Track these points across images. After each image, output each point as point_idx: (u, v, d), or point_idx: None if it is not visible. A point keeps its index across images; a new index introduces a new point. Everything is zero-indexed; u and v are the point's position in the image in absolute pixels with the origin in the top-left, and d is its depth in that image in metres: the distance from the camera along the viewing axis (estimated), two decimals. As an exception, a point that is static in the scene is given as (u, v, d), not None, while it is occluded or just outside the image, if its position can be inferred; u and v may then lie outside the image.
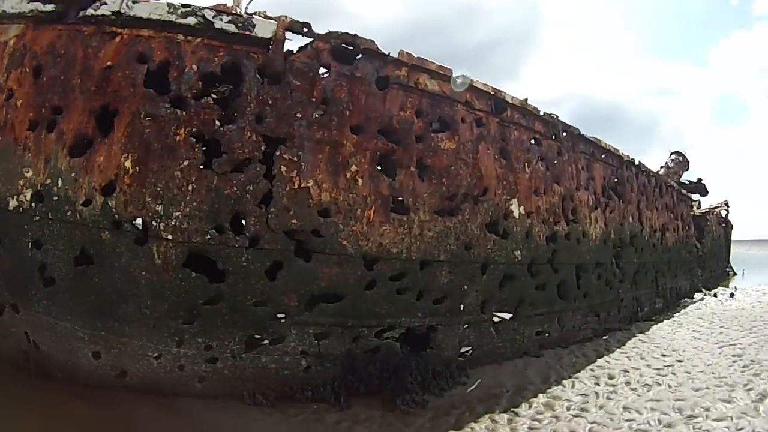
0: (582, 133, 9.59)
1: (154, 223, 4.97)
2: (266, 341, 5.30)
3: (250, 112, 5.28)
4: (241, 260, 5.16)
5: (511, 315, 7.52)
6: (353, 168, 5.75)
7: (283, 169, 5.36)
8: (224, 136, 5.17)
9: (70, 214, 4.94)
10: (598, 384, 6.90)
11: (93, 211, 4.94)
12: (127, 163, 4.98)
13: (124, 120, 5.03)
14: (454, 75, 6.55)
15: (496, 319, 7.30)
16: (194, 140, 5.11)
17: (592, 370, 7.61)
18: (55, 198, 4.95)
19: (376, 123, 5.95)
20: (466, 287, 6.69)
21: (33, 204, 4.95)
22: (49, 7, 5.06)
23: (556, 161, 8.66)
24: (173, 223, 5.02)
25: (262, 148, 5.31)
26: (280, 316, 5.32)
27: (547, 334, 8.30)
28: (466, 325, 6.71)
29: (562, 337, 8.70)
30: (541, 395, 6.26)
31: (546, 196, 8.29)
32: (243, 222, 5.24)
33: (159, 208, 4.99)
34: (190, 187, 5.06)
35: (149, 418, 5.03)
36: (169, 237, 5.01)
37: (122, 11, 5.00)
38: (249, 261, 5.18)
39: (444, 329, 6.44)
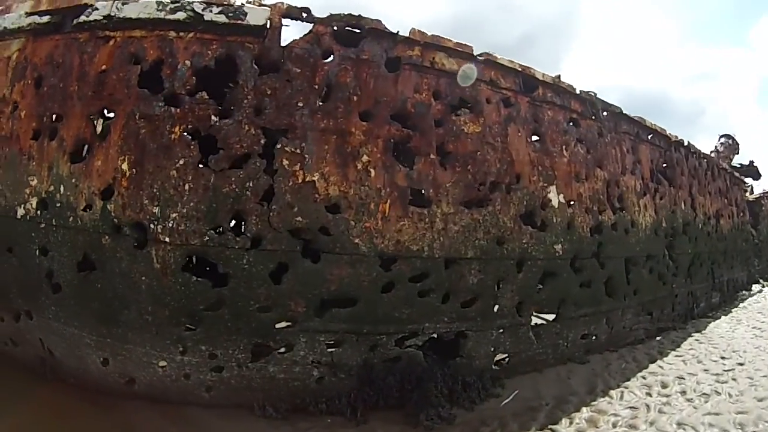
0: (624, 112, 7.77)
1: (151, 226, 4.17)
2: (274, 350, 4.33)
3: (247, 104, 4.33)
4: (242, 262, 4.22)
5: (552, 317, 6.03)
6: (364, 158, 4.61)
7: (285, 162, 4.35)
8: (220, 131, 4.26)
9: (72, 220, 4.30)
10: (649, 394, 5.31)
11: (93, 216, 4.25)
12: (124, 166, 4.23)
13: (120, 122, 4.30)
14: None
15: (535, 322, 5.84)
16: (190, 138, 4.25)
17: (643, 377, 5.90)
18: (58, 204, 4.32)
19: (387, 108, 4.75)
20: (499, 287, 5.31)
21: (38, 211, 4.38)
22: (46, 18, 4.51)
23: (597, 143, 6.89)
24: (170, 225, 4.19)
25: (262, 141, 4.34)
26: (285, 324, 4.34)
27: (593, 337, 6.64)
28: (501, 330, 5.31)
29: (610, 339, 6.98)
30: (584, 409, 4.90)
31: (588, 182, 6.58)
32: (244, 222, 4.33)
33: (156, 210, 4.19)
34: (186, 187, 4.21)
35: (155, 427, 4.30)
36: (167, 240, 4.20)
37: (112, 14, 4.29)
38: (251, 263, 4.23)
39: (475, 335, 5.10)
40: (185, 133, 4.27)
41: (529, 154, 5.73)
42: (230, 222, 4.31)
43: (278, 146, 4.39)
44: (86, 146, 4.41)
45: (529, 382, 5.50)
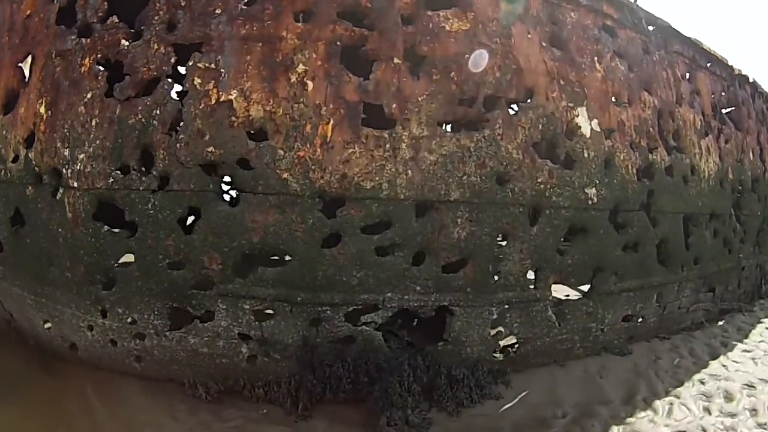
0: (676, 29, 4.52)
1: (64, 171, 2.76)
2: (193, 318, 2.67)
3: (158, 20, 2.67)
4: (147, 208, 2.58)
5: (582, 290, 3.43)
6: (299, 67, 2.60)
7: (197, 81, 2.57)
8: (127, 56, 2.68)
9: (3, 173, 3.09)
10: (708, 410, 2.84)
11: (19, 167, 2.97)
12: (42, 109, 2.86)
13: (39, 64, 2.94)
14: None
15: (557, 297, 3.29)
16: (99, 68, 2.76)
17: (701, 381, 3.23)
18: (-7, 157, 3.21)
19: (333, 4, 2.69)
20: (501, 245, 2.96)
21: (-20, 167, 3.33)
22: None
23: (642, 61, 3.86)
24: (78, 167, 2.70)
25: (172, 60, 2.66)
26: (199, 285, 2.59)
27: (639, 320, 3.76)
28: (506, 307, 2.92)
29: (661, 323, 3.99)
30: (615, 429, 2.59)
31: (633, 109, 3.66)
32: (152, 158, 2.67)
33: (67, 152, 2.74)
34: (93, 123, 2.69)
35: (83, 398, 2.99)
36: (75, 185, 2.72)
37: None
38: (157, 208, 2.58)
39: (464, 313, 2.82)
40: (95, 64, 2.77)
41: (544, 62, 3.11)
42: (138, 160, 2.70)
43: (190, 63, 2.61)
44: (16, 96, 3.17)
45: (544, 380, 3.03)
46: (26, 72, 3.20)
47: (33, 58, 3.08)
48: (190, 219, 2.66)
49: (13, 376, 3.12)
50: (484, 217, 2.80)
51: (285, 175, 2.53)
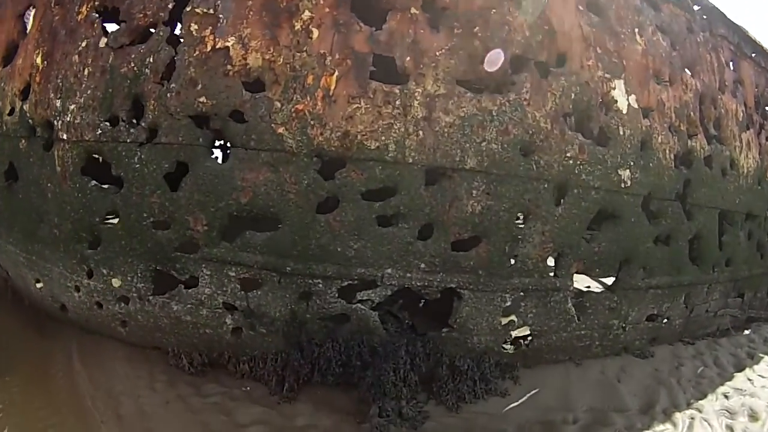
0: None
1: (56, 123, 2.44)
2: (177, 283, 2.30)
3: None
4: (134, 161, 2.22)
5: (607, 283, 2.88)
6: (305, 14, 2.15)
7: (193, 27, 2.17)
8: (125, 2, 2.32)
9: (0, 126, 2.81)
10: (731, 430, 2.34)
11: (14, 120, 2.68)
12: (38, 60, 2.55)
13: (39, 14, 2.63)
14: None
15: (578, 288, 2.76)
16: (96, 15, 2.41)
17: (725, 395, 2.70)
18: (-8, 110, 2.91)
19: None
20: (521, 224, 2.45)
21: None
22: None
23: (686, 39, 3.22)
24: (68, 119, 2.37)
25: (170, 6, 2.26)
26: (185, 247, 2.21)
27: (664, 321, 3.18)
28: (522, 294, 2.43)
29: (687, 326, 3.39)
30: None
31: (674, 90, 3.05)
32: (143, 109, 2.30)
33: (59, 103, 2.42)
34: (86, 72, 2.36)
35: (66, 361, 2.66)
36: (65, 137, 2.39)
37: None
38: (143, 162, 2.21)
39: (474, 298, 2.33)
40: (93, 12, 2.42)
41: (580, 26, 2.56)
42: (128, 111, 2.32)
43: (188, 8, 2.21)
44: (17, 48, 2.87)
45: (557, 379, 2.55)
46: (28, 23, 2.94)
47: (34, 8, 2.81)
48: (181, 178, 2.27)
49: (5, 335, 2.88)
50: (503, 191, 2.29)
51: (280, 130, 2.10)
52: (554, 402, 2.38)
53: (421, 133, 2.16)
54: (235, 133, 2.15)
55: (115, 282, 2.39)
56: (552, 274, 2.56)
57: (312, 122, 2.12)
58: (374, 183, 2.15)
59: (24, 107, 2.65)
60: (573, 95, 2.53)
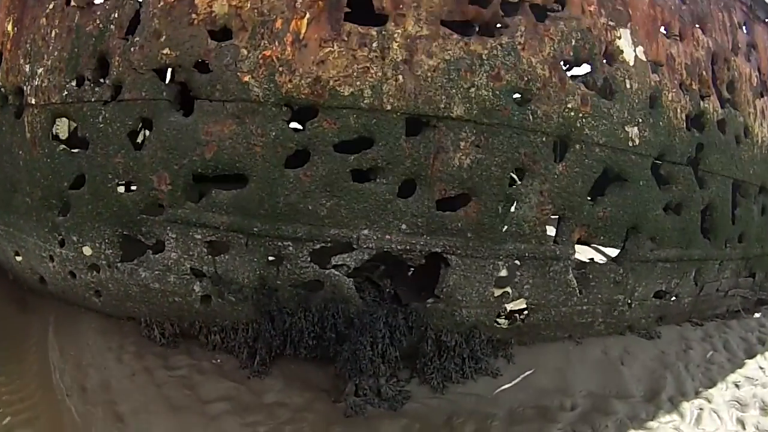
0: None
1: (25, 89, 2.26)
2: (145, 248, 2.09)
3: None
4: (98, 121, 2.01)
5: (614, 253, 2.51)
6: None
7: None
8: None
9: (-24, 96, 2.72)
10: (743, 425, 1.97)
11: None
12: (9, 27, 2.39)
13: None
14: None
15: (580, 259, 2.48)
16: None
17: (736, 384, 2.32)
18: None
19: None
20: (515, 182, 2.10)
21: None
22: None
23: None
24: (36, 83, 2.20)
25: None
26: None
27: (672, 299, 2.75)
28: (516, 261, 2.07)
29: (696, 305, 2.93)
30: None
31: (685, 45, 2.62)
32: (107, 66, 2.08)
33: (27, 68, 2.25)
34: (53, 34, 2.18)
35: (42, 333, 2.42)
36: (33, 101, 2.21)
37: None
38: (107, 121, 2.00)
39: (462, 264, 1.98)
40: None
41: None
42: (94, 70, 2.09)
43: None
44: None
45: (554, 359, 2.23)
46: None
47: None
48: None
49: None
50: (495, 143, 1.96)
51: (246, 78, 1.85)
52: (551, 384, 2.07)
53: (400, 77, 1.86)
54: (200, 85, 1.91)
55: (86, 250, 2.20)
56: (551, 240, 2.20)
57: (280, 68, 1.85)
58: (348, 133, 1.86)
59: (-4, 76, 2.52)
60: (573, 41, 2.16)
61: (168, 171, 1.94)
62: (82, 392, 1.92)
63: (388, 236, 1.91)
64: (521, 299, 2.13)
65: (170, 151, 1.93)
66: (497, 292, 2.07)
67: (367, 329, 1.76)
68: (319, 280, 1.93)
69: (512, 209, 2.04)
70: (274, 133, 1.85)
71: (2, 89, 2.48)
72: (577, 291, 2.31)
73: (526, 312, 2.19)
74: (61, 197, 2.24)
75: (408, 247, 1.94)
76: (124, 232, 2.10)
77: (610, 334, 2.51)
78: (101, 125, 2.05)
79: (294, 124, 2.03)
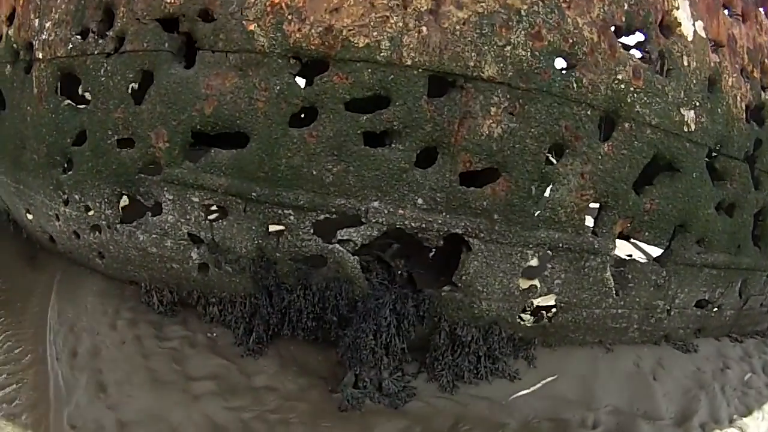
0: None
1: (34, 43, 2.15)
2: (143, 210, 1.93)
3: None
4: (100, 74, 1.86)
5: (657, 252, 2.09)
6: None
7: None
8: None
9: (-8, 54, 2.62)
10: None
11: (2, 47, 2.42)
12: None
13: None
14: None
15: (620, 256, 2.07)
16: None
17: None
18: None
19: None
20: (552, 160, 1.88)
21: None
22: None
23: None
24: (44, 36, 2.07)
25: None
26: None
27: (715, 310, 2.32)
28: (549, 252, 1.72)
29: (737, 320, 2.48)
30: None
31: (747, 27, 2.14)
32: (112, 18, 1.89)
33: (36, 22, 2.12)
34: None
35: (44, 292, 2.31)
36: (41, 56, 2.09)
37: None
38: (108, 74, 1.84)
39: (486, 249, 1.66)
40: None
41: None
42: (99, 22, 1.92)
43: None
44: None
45: (581, 366, 1.92)
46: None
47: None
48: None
49: (7, 267, 2.75)
50: (532, 111, 1.64)
51: (252, 27, 1.62)
52: (573, 395, 1.78)
53: (424, 29, 1.57)
54: (203, 34, 1.71)
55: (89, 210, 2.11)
56: (590, 231, 1.86)
57: (289, 16, 1.61)
58: (361, 90, 1.59)
59: (9, 33, 2.39)
60: (626, 5, 1.79)
61: (166, 127, 1.76)
62: (71, 357, 1.80)
63: (401, 211, 1.63)
64: (550, 295, 1.82)
65: (169, 106, 1.75)
66: (524, 285, 1.76)
67: (371, 315, 1.52)
68: (321, 255, 1.69)
69: (547, 191, 1.71)
70: (278, 88, 1.61)
71: (15, 45, 2.39)
72: (614, 291, 1.96)
73: (554, 310, 1.88)
74: (65, 154, 2.12)
75: (424, 225, 1.65)
76: (123, 192, 1.95)
77: (644, 342, 2.17)
78: (103, 79, 1.89)
79: (302, 82, 1.81)
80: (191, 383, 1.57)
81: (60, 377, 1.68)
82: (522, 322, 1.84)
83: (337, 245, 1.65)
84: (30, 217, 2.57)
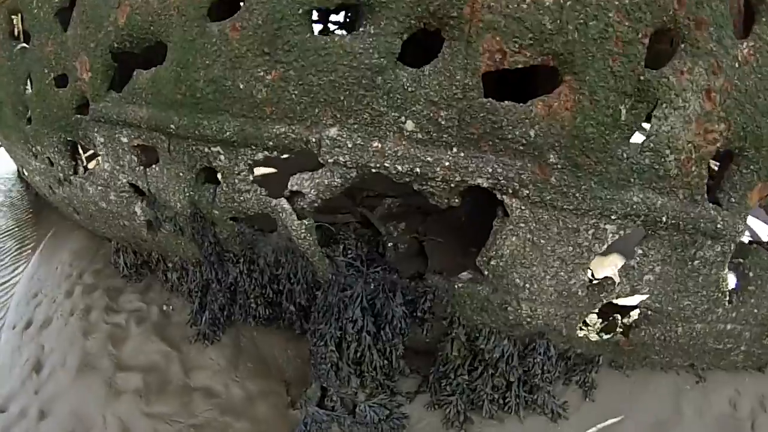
0: None
1: None
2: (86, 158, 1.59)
3: None
4: (32, 6, 1.45)
5: None
6: None
7: None
8: None
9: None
10: None
11: None
12: None
13: None
14: None
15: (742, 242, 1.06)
16: None
17: None
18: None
19: None
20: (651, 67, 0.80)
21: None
22: None
23: None
24: None
25: None
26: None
27: None
28: (643, 227, 0.82)
29: None
30: None
31: None
32: None
33: None
34: None
35: (38, 245, 2.18)
36: None
37: None
38: (39, 4, 1.42)
39: (534, 219, 0.82)
40: None
41: None
42: None
43: None
44: None
45: (658, 402, 1.03)
46: None
47: None
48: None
49: (16, 225, 2.67)
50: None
51: None
52: None
53: None
54: None
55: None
56: (708, 201, 0.99)
57: None
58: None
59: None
60: None
61: (87, 53, 1.32)
62: (24, 328, 1.61)
63: (376, 143, 0.91)
64: (633, 295, 1.02)
65: (87, 26, 1.30)
66: (596, 279, 1.00)
67: (333, 314, 0.90)
68: (268, 215, 1.10)
69: (650, 124, 0.88)
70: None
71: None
72: (726, 299, 1.09)
73: (636, 319, 1.08)
74: (23, 102, 1.82)
75: (418, 170, 0.92)
76: (68, 138, 1.60)
77: (746, 368, 1.31)
78: (35, 10, 1.51)
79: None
80: (119, 375, 1.25)
81: (8, 347, 1.49)
82: (584, 335, 1.07)
83: (282, 201, 1.01)
84: (26, 173, 2.43)
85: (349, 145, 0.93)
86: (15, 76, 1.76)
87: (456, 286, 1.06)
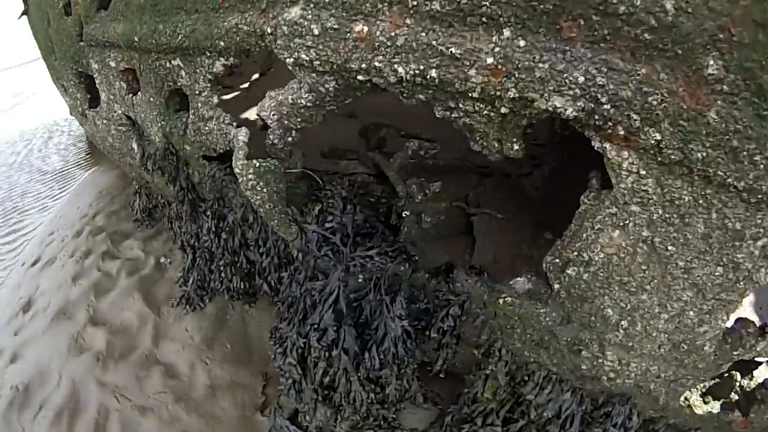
0: None
1: None
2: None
3: None
4: None
5: None
6: None
7: None
8: None
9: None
10: None
11: None
12: None
13: None
14: None
15: None
16: None
17: None
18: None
19: None
20: None
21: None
22: None
23: None
24: None
25: None
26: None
27: None
28: None
29: None
30: None
31: None
32: None
33: None
34: None
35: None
36: None
37: None
38: None
39: (665, 191, 0.30)
40: None
41: None
42: None
43: None
44: None
45: None
46: None
47: None
48: None
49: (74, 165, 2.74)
50: None
51: None
52: None
53: None
54: None
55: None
56: None
57: None
58: None
59: None
60: None
61: None
62: (30, 265, 1.63)
63: (360, 26, 0.46)
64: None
65: None
66: (727, 322, 0.48)
67: (298, 311, 0.56)
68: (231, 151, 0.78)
69: None
70: None
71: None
72: None
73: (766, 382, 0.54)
74: (49, 37, 1.80)
75: (434, 72, 0.43)
76: (79, 70, 1.55)
77: None
78: None
79: None
80: (88, 330, 1.17)
81: (9, 288, 1.53)
82: (691, 406, 0.57)
83: (241, 132, 0.68)
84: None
85: (316, 32, 0.51)
86: (40, 11, 1.76)
87: (501, 300, 0.60)
